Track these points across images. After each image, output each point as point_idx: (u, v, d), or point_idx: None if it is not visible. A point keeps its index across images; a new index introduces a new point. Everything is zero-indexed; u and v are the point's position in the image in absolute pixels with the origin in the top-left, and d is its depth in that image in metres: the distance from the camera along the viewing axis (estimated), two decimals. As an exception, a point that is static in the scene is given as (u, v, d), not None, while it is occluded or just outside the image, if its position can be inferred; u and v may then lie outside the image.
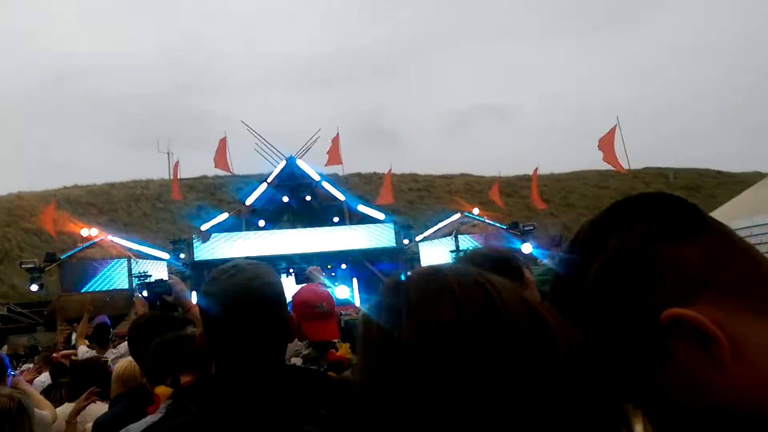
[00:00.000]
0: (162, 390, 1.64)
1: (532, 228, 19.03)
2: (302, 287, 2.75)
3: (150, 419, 1.37)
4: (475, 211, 21.03)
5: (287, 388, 1.14)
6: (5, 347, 13.04)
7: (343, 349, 2.49)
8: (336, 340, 2.57)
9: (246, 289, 1.17)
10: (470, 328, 0.50)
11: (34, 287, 16.06)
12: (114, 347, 5.59)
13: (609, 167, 21.90)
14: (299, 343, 2.61)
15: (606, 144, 19.92)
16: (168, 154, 26.00)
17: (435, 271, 0.57)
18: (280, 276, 1.29)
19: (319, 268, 3.34)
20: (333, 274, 20.90)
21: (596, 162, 21.30)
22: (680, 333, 0.51)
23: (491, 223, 20.00)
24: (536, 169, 25.70)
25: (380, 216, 21.17)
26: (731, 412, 0.51)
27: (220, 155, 23.31)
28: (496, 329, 0.50)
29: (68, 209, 29.17)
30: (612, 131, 20.00)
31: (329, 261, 19.97)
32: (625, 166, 20.31)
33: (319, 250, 19.03)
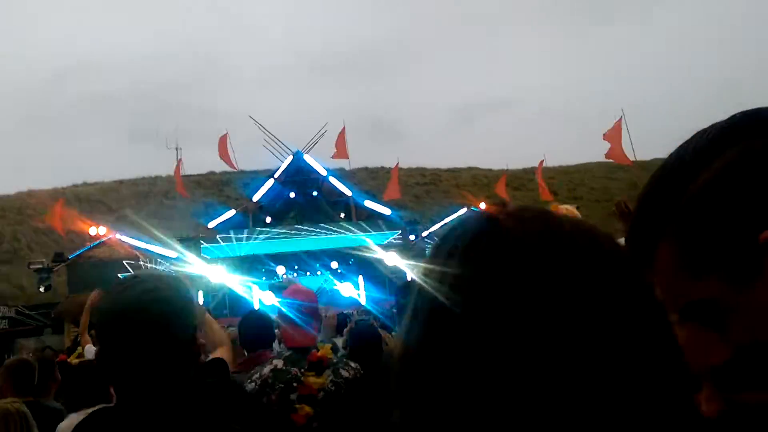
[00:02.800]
0: None
1: (539, 221, 18.90)
2: (287, 290, 2.75)
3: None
4: (482, 205, 20.95)
5: (189, 411, 1.06)
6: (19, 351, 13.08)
7: (324, 350, 2.53)
8: (318, 342, 2.62)
9: (134, 305, 1.06)
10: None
11: (42, 288, 16.14)
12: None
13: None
14: (282, 345, 2.70)
15: (612, 137, 19.74)
16: (176, 150, 26.02)
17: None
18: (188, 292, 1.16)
19: (293, 278, 3.31)
20: (339, 271, 20.91)
21: (603, 154, 21.16)
22: None
23: (498, 217, 19.90)
24: (542, 161, 25.55)
25: (387, 211, 21.11)
26: None
27: (223, 151, 23.30)
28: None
29: (77, 207, 29.33)
30: (618, 124, 19.81)
31: (335, 258, 19.97)
32: (632, 158, 20.11)
33: (324, 248, 19.00)
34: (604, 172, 40.71)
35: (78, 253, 17.73)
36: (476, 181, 41.13)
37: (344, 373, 2.49)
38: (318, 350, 2.53)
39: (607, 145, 20.05)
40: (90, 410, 2.83)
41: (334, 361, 2.56)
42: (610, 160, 22.78)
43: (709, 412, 0.64)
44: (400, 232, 19.35)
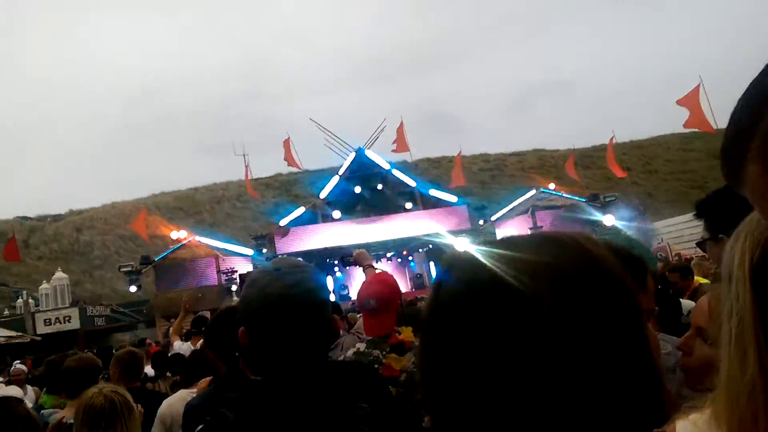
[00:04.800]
0: None
1: (613, 198, 18.26)
2: (366, 280, 2.78)
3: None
4: (551, 186, 20.44)
5: (326, 386, 1.15)
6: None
7: (405, 333, 2.50)
8: (396, 328, 2.57)
9: (285, 298, 1.17)
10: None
11: (133, 288, 17.27)
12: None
13: (692, 129, 20.58)
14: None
15: (690, 104, 18.66)
16: (243, 156, 27.08)
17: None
18: (321, 277, 1.28)
19: (364, 251, 3.23)
20: (410, 258, 21.04)
21: (677, 126, 20.06)
22: None
23: (569, 196, 19.37)
24: (612, 137, 24.60)
25: (453, 199, 21.02)
26: None
27: (287, 153, 23.96)
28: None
29: (158, 214, 31.02)
30: (696, 91, 18.71)
31: (404, 247, 20.12)
32: (713, 126, 18.99)
33: (393, 237, 19.19)
34: (679, 143, 38.62)
35: (163, 255, 18.81)
36: (543, 162, 40.05)
37: None
38: (399, 333, 2.52)
39: (683, 116, 19.01)
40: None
41: (416, 343, 2.54)
42: (687, 131, 21.60)
43: None
44: (467, 213, 19.18)
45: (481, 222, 19.32)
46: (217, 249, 18.96)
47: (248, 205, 37.37)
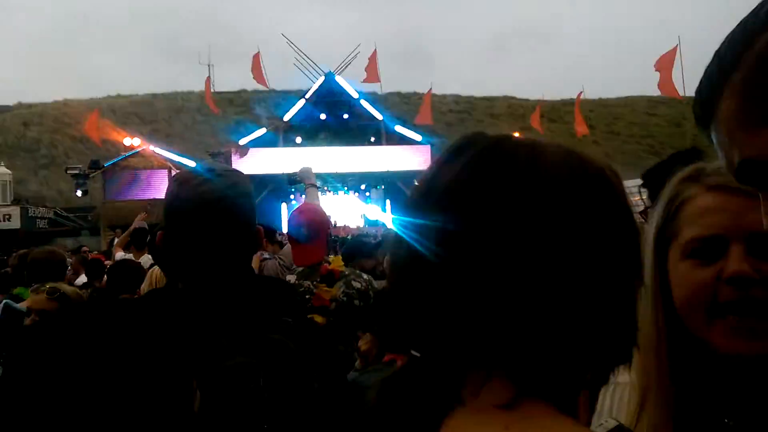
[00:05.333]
0: None
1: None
2: (295, 209, 2.80)
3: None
4: (515, 135, 20.49)
5: (252, 297, 1.11)
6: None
7: (335, 262, 2.58)
8: (326, 256, 2.66)
9: (214, 200, 1.10)
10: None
11: (79, 193, 16.71)
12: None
13: (659, 94, 20.78)
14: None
15: (664, 65, 18.63)
16: (209, 66, 25.84)
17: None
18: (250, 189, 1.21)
19: (310, 169, 3.21)
20: (367, 194, 21.02)
21: (648, 87, 20.18)
22: None
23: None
24: (580, 93, 24.62)
25: (417, 137, 20.86)
26: None
27: (256, 70, 23.06)
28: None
29: (112, 118, 29.70)
30: (672, 52, 18.64)
31: (363, 181, 20.04)
32: (681, 93, 19.15)
33: (354, 170, 19.03)
34: (645, 106, 39.20)
35: (113, 161, 18.14)
36: (512, 111, 40.09)
37: (356, 284, 2.55)
38: (329, 264, 2.59)
39: (653, 79, 19.06)
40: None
41: (346, 273, 2.60)
42: (654, 95, 21.83)
43: (727, 347, 0.71)
44: (430, 154, 19.14)
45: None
46: (172, 161, 18.39)
47: (208, 120, 36.20)
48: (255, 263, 3.94)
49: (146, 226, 6.38)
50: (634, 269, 0.53)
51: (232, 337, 1.01)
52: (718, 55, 0.54)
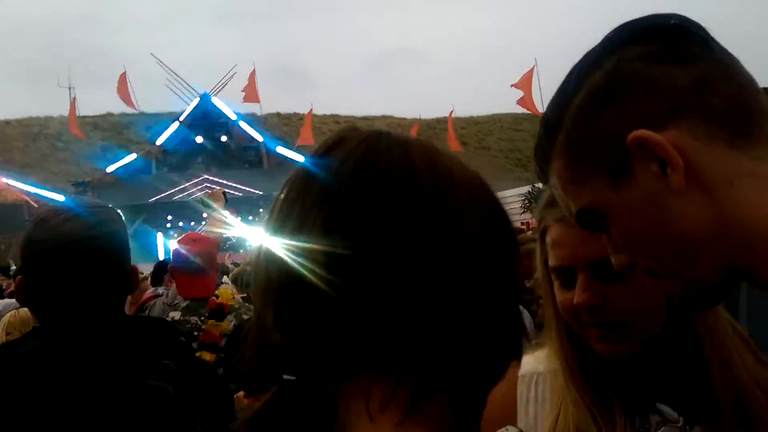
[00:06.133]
0: None
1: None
2: (183, 237, 2.63)
3: None
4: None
5: (127, 341, 1.05)
6: None
7: (224, 295, 2.42)
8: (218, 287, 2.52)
9: (80, 239, 1.03)
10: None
11: None
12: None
13: (524, 110, 22.52)
14: (178, 295, 2.54)
15: (523, 86, 20.31)
16: (69, 89, 23.84)
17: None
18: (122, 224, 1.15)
19: (221, 192, 3.02)
20: (250, 218, 20.50)
21: (513, 105, 21.80)
22: (644, 155, 0.52)
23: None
24: (451, 111, 26.00)
25: (300, 158, 20.76)
26: (689, 243, 0.52)
27: (123, 90, 21.73)
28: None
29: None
30: (530, 73, 20.39)
31: (245, 204, 19.54)
32: (541, 110, 20.90)
33: (238, 194, 18.51)
34: (511, 123, 42.17)
35: (-44, 197, 16.13)
36: (390, 129, 41.25)
37: (246, 317, 2.39)
38: (217, 297, 2.42)
39: (517, 96, 20.65)
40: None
41: (236, 306, 2.45)
42: (518, 112, 23.60)
43: (603, 351, 0.80)
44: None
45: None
46: (29, 194, 16.71)
47: (71, 147, 33.41)
48: (138, 301, 3.63)
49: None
50: (510, 271, 0.51)
51: (109, 386, 0.95)
52: (545, 119, 0.59)
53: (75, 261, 1.03)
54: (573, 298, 0.80)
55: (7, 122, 39.51)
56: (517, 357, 0.53)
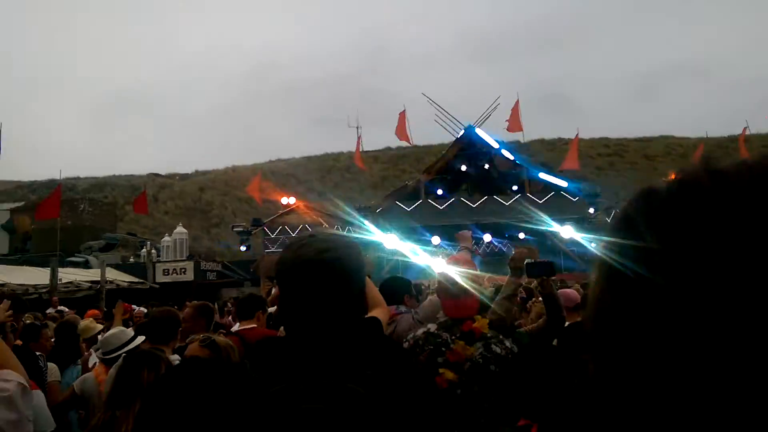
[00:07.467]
0: None
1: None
2: (457, 258, 2.74)
3: None
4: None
5: (339, 350, 1.18)
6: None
7: (480, 322, 2.48)
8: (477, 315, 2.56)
9: (311, 261, 1.22)
10: None
11: (243, 248, 18.31)
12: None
13: None
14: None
15: None
16: (357, 128, 27.50)
17: None
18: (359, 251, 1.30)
19: (469, 233, 3.23)
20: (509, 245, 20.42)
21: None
22: None
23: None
24: (745, 128, 22.08)
25: (563, 183, 20.00)
26: None
27: (401, 127, 24.03)
28: None
29: (272, 180, 32.56)
30: None
31: (506, 231, 19.53)
32: None
33: (496, 221, 18.67)
34: (836, 138, 34.20)
35: (271, 218, 19.73)
36: (669, 150, 37.10)
37: (496, 349, 2.41)
38: (473, 321, 2.49)
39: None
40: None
41: (488, 335, 2.47)
42: None
43: None
44: (577, 200, 18.18)
45: (591, 210, 18.22)
46: (325, 215, 19.61)
47: (356, 177, 38.06)
48: (386, 317, 3.86)
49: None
50: None
51: (311, 384, 1.10)
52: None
53: (306, 279, 1.22)
54: None
55: (309, 158, 46.97)
56: None
